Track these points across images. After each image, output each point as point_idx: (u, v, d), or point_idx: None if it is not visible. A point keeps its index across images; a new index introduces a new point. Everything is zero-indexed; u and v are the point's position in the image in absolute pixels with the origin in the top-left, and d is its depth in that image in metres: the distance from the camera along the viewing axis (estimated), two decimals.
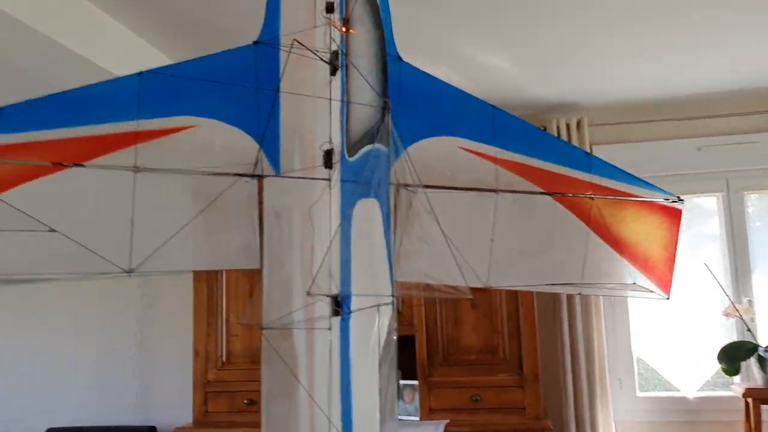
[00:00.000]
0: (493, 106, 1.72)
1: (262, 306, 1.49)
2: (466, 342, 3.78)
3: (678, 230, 1.84)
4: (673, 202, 1.82)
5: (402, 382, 3.81)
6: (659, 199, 1.82)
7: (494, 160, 1.69)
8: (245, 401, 3.89)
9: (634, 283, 1.84)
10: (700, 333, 4.02)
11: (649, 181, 1.81)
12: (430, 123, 1.68)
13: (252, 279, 3.83)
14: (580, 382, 3.93)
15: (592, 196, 1.75)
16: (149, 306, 4.57)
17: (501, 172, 1.69)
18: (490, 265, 1.70)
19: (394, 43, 1.66)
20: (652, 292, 1.85)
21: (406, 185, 1.63)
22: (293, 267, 1.46)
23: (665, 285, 1.86)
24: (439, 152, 1.67)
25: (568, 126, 4.14)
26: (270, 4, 1.55)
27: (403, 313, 3.88)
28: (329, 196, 1.43)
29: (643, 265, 1.83)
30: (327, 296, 1.41)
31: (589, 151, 4.07)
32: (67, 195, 1.45)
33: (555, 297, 4.01)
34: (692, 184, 4.10)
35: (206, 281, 4.06)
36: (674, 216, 1.83)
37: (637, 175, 1.80)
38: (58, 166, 1.40)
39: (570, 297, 3.98)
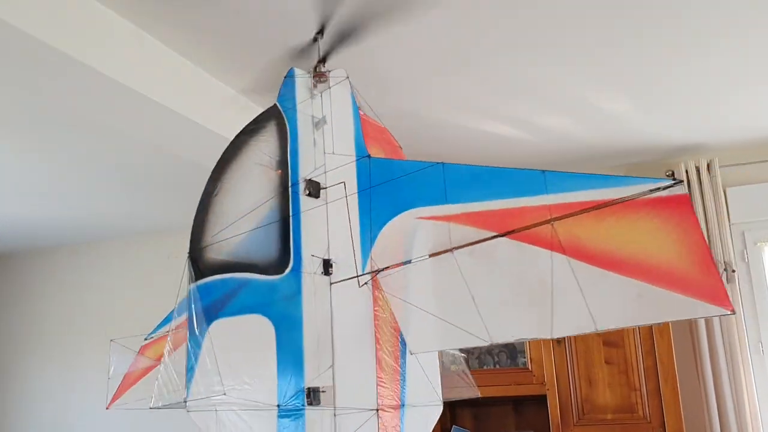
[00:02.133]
0: (443, 164, 1.69)
1: None
2: (601, 400, 3.62)
3: (695, 222, 1.38)
4: (667, 188, 1.37)
5: None
6: (649, 192, 1.39)
7: (447, 218, 1.66)
8: None
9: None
10: None
11: None
12: (395, 203, 1.74)
13: None
14: None
15: (551, 220, 1.48)
16: None
17: (453, 228, 1.64)
18: (484, 322, 1.60)
19: (364, 146, 1.83)
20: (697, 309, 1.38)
21: (376, 271, 1.72)
22: None
23: (717, 297, 1.36)
24: (401, 229, 1.71)
25: (697, 169, 3.93)
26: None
27: (533, 371, 3.77)
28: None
29: (670, 281, 1.39)
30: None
31: (722, 194, 3.86)
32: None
33: (696, 352, 3.77)
34: None
35: None
36: (680, 205, 1.38)
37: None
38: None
39: (713, 352, 3.72)
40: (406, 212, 1.72)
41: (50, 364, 5.27)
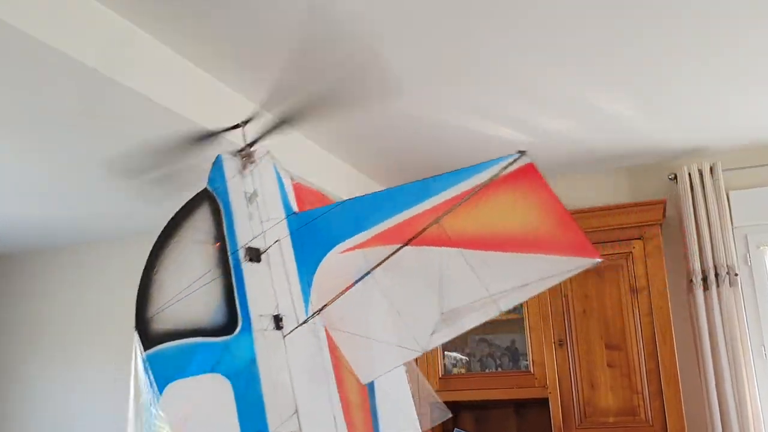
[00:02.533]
0: (353, 198, 1.82)
1: None
2: (603, 403, 3.61)
3: (544, 185, 1.50)
4: (515, 161, 1.50)
5: None
6: (500, 172, 1.51)
7: (362, 245, 1.76)
8: None
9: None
10: None
11: None
12: (322, 246, 1.84)
13: None
14: None
15: (437, 220, 1.60)
16: None
17: (368, 252, 1.74)
18: (411, 333, 1.71)
19: (290, 205, 1.96)
20: (575, 267, 1.48)
21: (315, 312, 1.82)
22: None
23: (583, 249, 1.48)
24: (330, 267, 1.82)
25: (700, 172, 3.90)
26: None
27: (535, 374, 3.76)
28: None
29: (541, 245, 1.52)
30: None
31: (725, 197, 3.84)
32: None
33: (699, 355, 3.75)
34: None
35: None
36: (528, 175, 1.50)
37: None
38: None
39: (715, 355, 3.69)
40: (331, 251, 1.82)
41: (50, 364, 5.26)
